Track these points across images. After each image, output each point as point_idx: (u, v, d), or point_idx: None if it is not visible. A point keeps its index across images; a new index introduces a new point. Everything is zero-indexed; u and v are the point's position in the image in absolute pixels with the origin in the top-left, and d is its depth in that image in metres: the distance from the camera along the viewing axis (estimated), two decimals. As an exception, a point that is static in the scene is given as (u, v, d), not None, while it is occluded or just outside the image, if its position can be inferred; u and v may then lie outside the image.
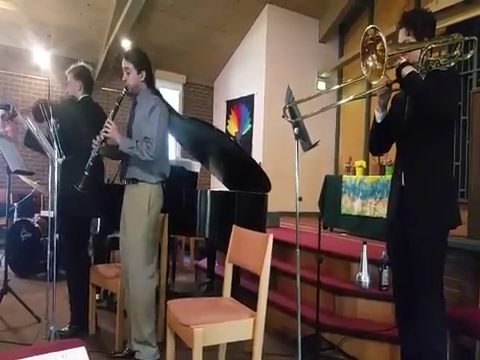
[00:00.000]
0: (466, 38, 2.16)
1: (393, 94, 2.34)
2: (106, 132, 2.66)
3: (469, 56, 2.22)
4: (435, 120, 2.07)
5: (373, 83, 2.09)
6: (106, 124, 2.68)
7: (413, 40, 2.15)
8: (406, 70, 2.04)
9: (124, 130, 2.84)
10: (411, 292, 2.27)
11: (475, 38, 2.22)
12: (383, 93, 2.22)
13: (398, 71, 2.06)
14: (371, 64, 2.05)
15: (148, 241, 2.69)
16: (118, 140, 2.66)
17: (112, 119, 2.72)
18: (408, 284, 2.27)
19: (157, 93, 2.81)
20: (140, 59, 2.77)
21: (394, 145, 2.40)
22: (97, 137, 2.71)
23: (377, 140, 2.41)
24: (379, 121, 2.30)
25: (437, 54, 2.16)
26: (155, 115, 2.67)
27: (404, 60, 2.06)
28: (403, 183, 2.20)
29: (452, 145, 2.29)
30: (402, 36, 2.18)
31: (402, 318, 2.35)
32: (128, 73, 2.75)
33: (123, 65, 2.77)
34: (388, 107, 2.35)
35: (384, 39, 1.93)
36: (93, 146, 2.72)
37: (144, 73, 2.75)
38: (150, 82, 2.82)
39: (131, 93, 2.81)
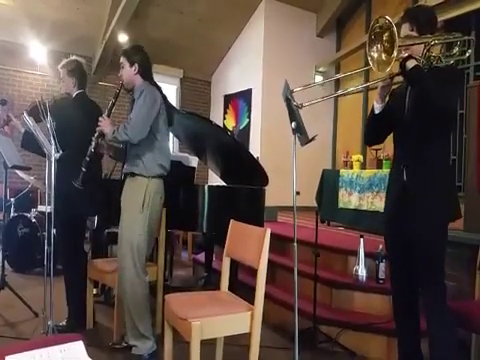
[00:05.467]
0: (465, 37, 2.20)
1: (392, 87, 2.34)
2: (99, 126, 2.70)
3: (467, 55, 2.24)
4: (436, 115, 2.07)
5: (379, 73, 2.08)
6: (100, 119, 2.71)
7: (416, 35, 2.17)
8: (410, 63, 2.05)
9: None
10: (410, 287, 2.27)
11: (473, 38, 2.28)
12: (385, 85, 2.22)
13: (402, 64, 2.06)
14: (376, 56, 2.06)
15: (139, 238, 2.66)
16: (108, 131, 2.67)
17: (108, 115, 2.74)
18: (407, 279, 2.27)
19: (154, 85, 2.79)
20: (133, 53, 2.77)
21: (390, 139, 2.41)
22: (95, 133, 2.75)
23: (373, 131, 2.42)
24: (377, 112, 2.29)
25: (438, 51, 2.18)
26: (141, 97, 2.65)
27: (408, 54, 2.07)
28: (405, 178, 2.20)
29: (450, 140, 2.29)
30: (405, 31, 2.19)
31: (400, 315, 2.35)
32: (122, 67, 2.78)
33: (120, 62, 2.79)
34: (386, 100, 2.34)
35: (395, 28, 1.92)
36: (91, 142, 2.74)
37: (137, 66, 2.75)
38: (146, 75, 2.80)
39: (126, 88, 2.81)
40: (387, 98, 2.32)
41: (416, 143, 2.18)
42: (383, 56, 2.04)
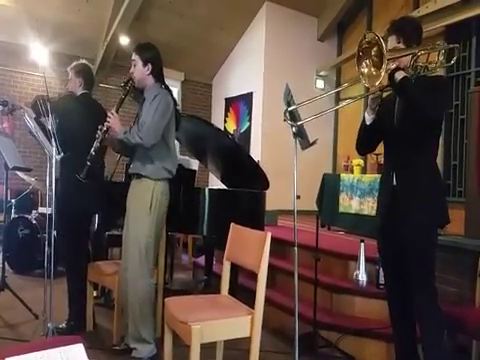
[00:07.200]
0: (450, 46, 2.28)
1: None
2: (108, 122, 2.66)
3: (452, 62, 2.31)
4: (424, 122, 2.14)
5: (370, 86, 2.15)
6: (109, 114, 2.68)
7: (403, 47, 2.23)
8: (399, 75, 2.11)
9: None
10: (404, 292, 2.28)
11: (457, 46, 2.33)
12: (375, 97, 2.28)
13: (391, 76, 2.12)
14: (366, 71, 2.11)
15: (147, 240, 2.66)
16: (117, 129, 2.65)
17: (117, 111, 2.72)
18: (401, 284, 2.30)
19: (167, 88, 2.78)
20: (147, 52, 2.75)
21: (380, 145, 2.46)
22: (101, 127, 2.71)
23: (364, 141, 2.50)
24: (368, 123, 2.36)
25: (424, 60, 2.25)
26: (155, 101, 2.64)
27: (396, 65, 2.13)
28: (394, 182, 2.26)
29: (438, 146, 2.34)
30: (392, 43, 2.26)
31: (396, 320, 2.38)
32: (134, 65, 2.75)
33: (132, 58, 2.76)
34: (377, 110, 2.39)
35: (383, 43, 1.98)
36: (96, 136, 2.72)
37: (150, 66, 2.72)
38: (158, 76, 2.78)
39: (137, 87, 2.78)
40: (377, 109, 2.38)
41: (405, 149, 2.24)
42: (373, 70, 2.09)
